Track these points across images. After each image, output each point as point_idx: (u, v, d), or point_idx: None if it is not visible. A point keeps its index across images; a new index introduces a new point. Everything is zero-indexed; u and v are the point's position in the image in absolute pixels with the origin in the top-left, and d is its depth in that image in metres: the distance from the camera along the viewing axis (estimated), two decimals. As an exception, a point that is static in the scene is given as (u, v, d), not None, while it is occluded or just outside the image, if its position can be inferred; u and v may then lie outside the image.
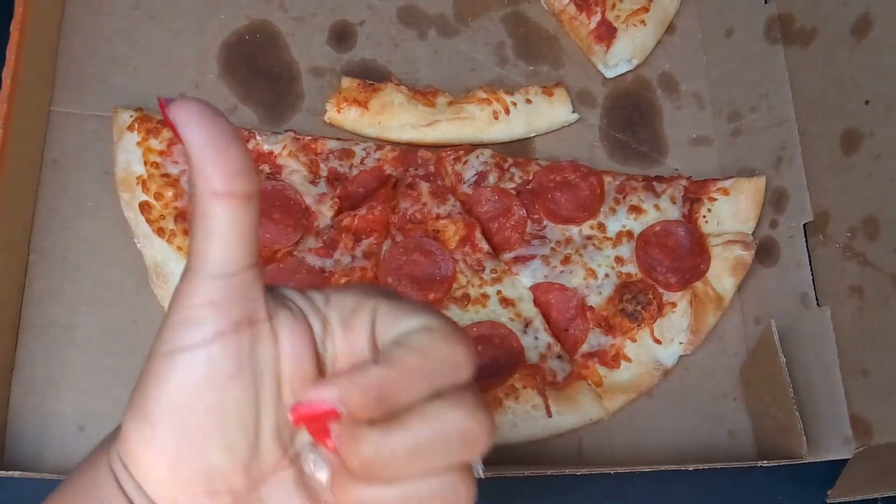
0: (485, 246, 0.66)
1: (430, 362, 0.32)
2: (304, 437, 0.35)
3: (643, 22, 0.74)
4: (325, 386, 0.32)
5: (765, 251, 0.68)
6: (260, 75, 0.72)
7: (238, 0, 0.73)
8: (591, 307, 0.66)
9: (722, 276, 0.68)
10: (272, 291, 0.34)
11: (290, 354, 0.33)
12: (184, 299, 0.32)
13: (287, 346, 0.33)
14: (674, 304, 0.67)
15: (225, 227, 0.31)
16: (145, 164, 0.64)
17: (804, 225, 0.65)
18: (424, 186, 0.68)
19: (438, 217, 0.67)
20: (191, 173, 0.31)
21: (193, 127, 0.30)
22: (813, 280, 0.64)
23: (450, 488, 0.32)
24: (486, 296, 0.65)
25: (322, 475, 0.34)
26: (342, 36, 0.74)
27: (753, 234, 0.69)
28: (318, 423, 0.33)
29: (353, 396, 0.31)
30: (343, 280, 0.63)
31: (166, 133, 0.65)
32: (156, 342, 0.32)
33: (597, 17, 0.74)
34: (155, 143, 0.65)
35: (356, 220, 0.65)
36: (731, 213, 0.69)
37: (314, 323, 0.34)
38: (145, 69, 0.70)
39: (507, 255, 0.67)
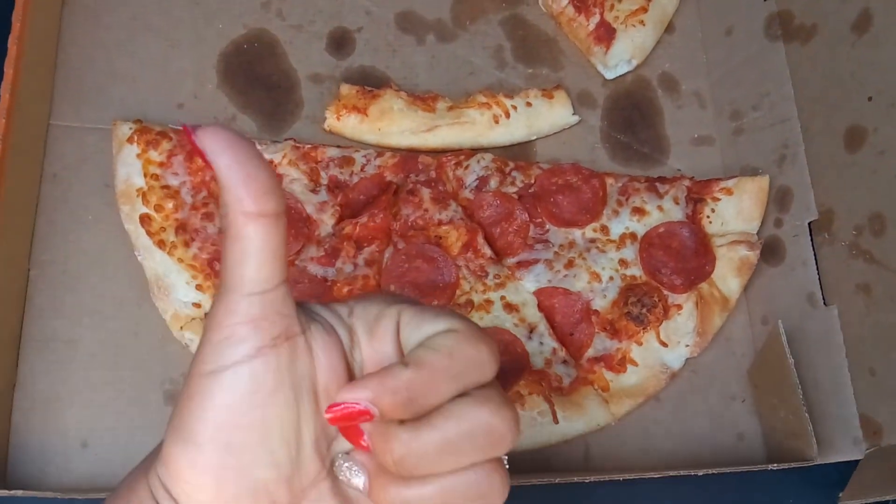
0: (487, 251, 0.66)
1: (456, 363, 0.33)
2: (337, 447, 0.36)
3: (642, 22, 0.74)
4: (357, 387, 0.33)
5: (770, 251, 0.68)
6: (258, 84, 0.72)
7: (235, 9, 0.73)
8: (595, 311, 0.66)
9: (727, 276, 0.67)
10: (300, 307, 0.35)
11: (324, 366, 0.34)
12: (222, 318, 0.32)
13: (322, 358, 0.34)
14: (679, 307, 0.66)
15: (258, 245, 0.32)
16: (145, 175, 0.64)
17: (809, 223, 0.65)
18: (426, 192, 0.67)
19: (440, 223, 0.66)
20: (222, 197, 0.32)
21: (223, 153, 0.31)
22: (819, 279, 0.63)
23: (484, 481, 0.33)
24: (489, 301, 0.65)
25: (359, 481, 0.35)
26: (340, 43, 0.74)
27: (758, 233, 0.69)
28: (352, 424, 0.34)
29: (384, 397, 0.32)
30: (345, 289, 0.63)
31: (166, 144, 0.65)
32: (195, 364, 0.33)
33: (595, 19, 0.74)
34: (154, 155, 0.64)
35: (357, 227, 0.65)
36: (735, 212, 0.69)
37: (342, 334, 0.35)
38: (144, 81, 0.70)
39: (510, 260, 0.67)
